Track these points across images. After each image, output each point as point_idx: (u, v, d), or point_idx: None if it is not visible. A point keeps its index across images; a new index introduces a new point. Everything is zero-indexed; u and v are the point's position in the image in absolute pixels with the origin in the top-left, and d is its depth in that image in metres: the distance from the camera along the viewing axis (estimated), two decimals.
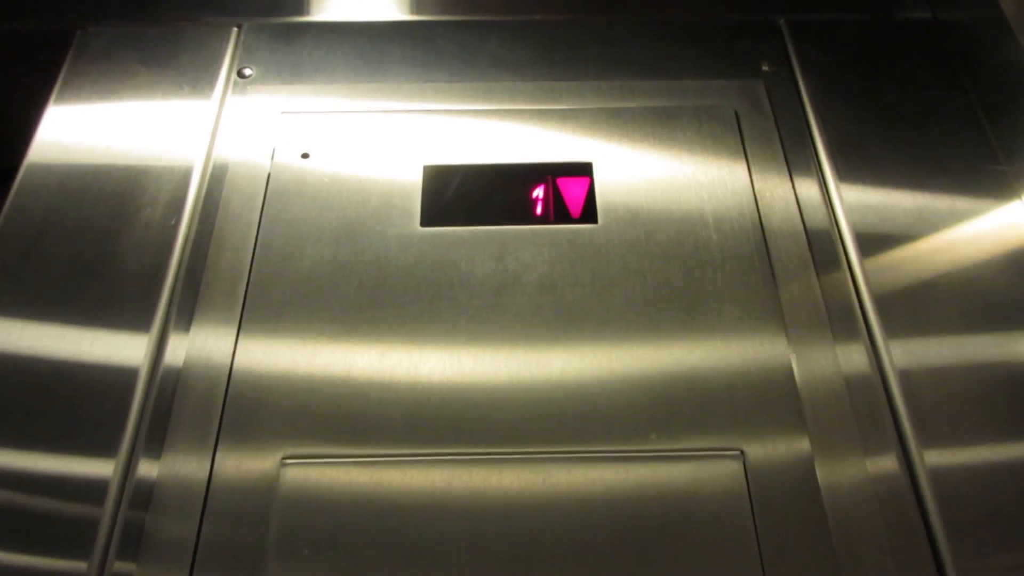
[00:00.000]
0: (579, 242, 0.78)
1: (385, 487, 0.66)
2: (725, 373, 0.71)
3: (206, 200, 0.81)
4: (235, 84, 0.90)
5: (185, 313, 0.74)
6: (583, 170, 0.83)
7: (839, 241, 0.79)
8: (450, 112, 0.88)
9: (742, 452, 0.67)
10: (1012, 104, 0.85)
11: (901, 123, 0.86)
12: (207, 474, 0.66)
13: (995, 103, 0.86)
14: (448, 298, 0.75)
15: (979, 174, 0.82)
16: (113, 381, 0.70)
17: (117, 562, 0.63)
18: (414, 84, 0.90)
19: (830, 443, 0.68)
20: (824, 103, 0.88)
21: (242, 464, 0.67)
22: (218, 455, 0.67)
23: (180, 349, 0.72)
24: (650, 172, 0.83)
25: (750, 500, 0.65)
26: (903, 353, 0.72)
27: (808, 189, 0.82)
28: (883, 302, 0.75)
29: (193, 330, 0.73)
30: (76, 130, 0.85)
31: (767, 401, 0.69)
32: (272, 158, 0.84)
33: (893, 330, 0.73)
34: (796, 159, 0.85)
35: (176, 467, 0.67)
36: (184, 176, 0.82)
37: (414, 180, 0.82)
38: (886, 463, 0.67)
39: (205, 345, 0.72)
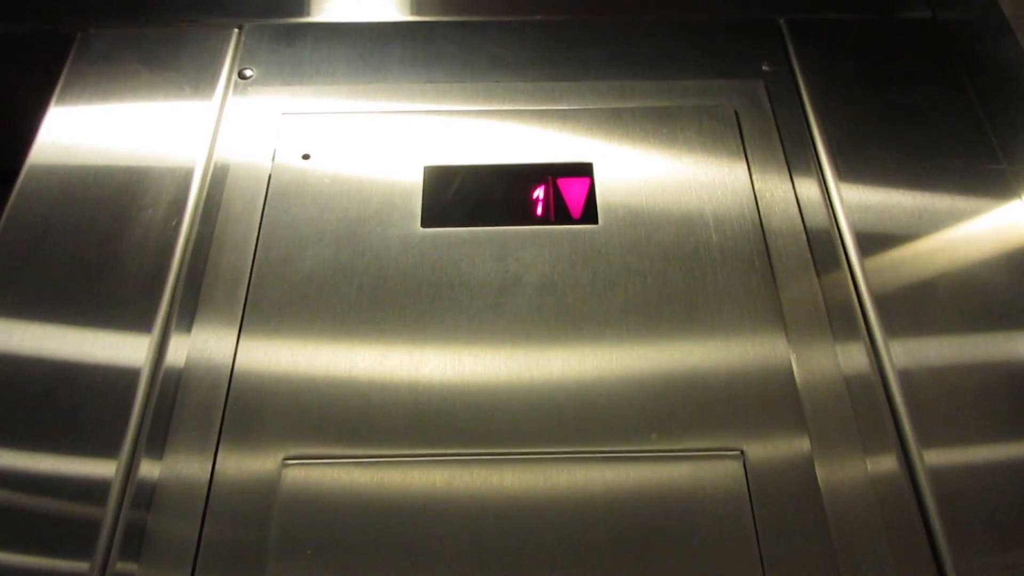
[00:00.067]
0: (579, 242, 0.78)
1: (386, 487, 0.66)
2: (725, 373, 0.71)
3: (207, 201, 0.81)
4: (236, 85, 0.90)
5: (186, 314, 0.74)
6: (583, 170, 0.83)
7: (839, 241, 0.79)
8: (451, 113, 0.88)
9: (742, 452, 0.67)
10: (1012, 104, 0.85)
11: (901, 123, 0.87)
12: (208, 475, 0.67)
13: (995, 103, 0.86)
14: (449, 299, 0.75)
15: (979, 174, 0.82)
16: (115, 382, 0.70)
17: (119, 562, 0.63)
18: (415, 85, 0.90)
19: (830, 443, 0.68)
20: (824, 103, 0.88)
21: (243, 465, 0.67)
22: (219, 456, 0.67)
23: (181, 350, 0.72)
24: (650, 172, 0.83)
25: (750, 500, 0.65)
26: (903, 353, 0.72)
27: (808, 189, 0.82)
28: (883, 302, 0.75)
29: (194, 331, 0.73)
30: (77, 131, 0.86)
31: (767, 401, 0.70)
32: (273, 159, 0.84)
33: (893, 330, 0.73)
34: (796, 159, 0.85)
35: (178, 468, 0.67)
36: (185, 177, 0.82)
37: (415, 181, 0.83)
38: (886, 463, 0.67)
39: (206, 346, 0.73)
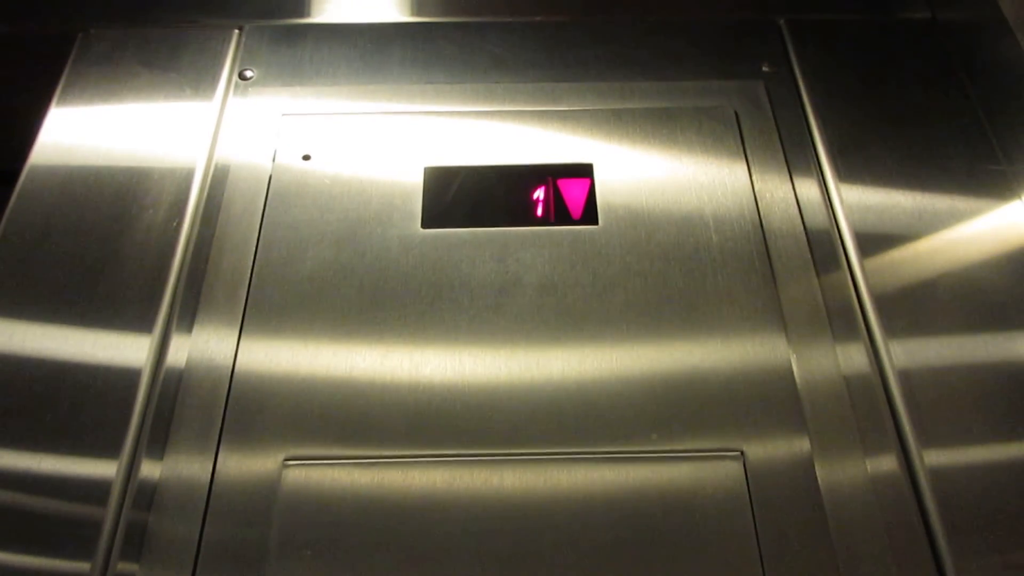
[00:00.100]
0: (580, 243, 0.78)
1: (386, 488, 0.66)
2: (725, 373, 0.71)
3: (208, 202, 0.81)
4: (236, 86, 0.91)
5: (187, 315, 0.74)
6: (584, 171, 0.83)
7: (839, 241, 0.79)
8: (451, 113, 0.88)
9: (742, 452, 0.67)
10: (1012, 104, 0.85)
11: (901, 123, 0.87)
12: (209, 475, 0.67)
13: (995, 103, 0.86)
14: (449, 299, 0.75)
15: (979, 174, 0.82)
16: (116, 382, 0.70)
17: (120, 563, 0.63)
18: (415, 85, 0.90)
19: (830, 443, 0.68)
20: (824, 103, 0.88)
21: (244, 465, 0.67)
22: (220, 456, 0.67)
23: (182, 350, 0.73)
24: (650, 173, 0.83)
25: (750, 500, 0.65)
26: (903, 353, 0.72)
27: (808, 189, 0.83)
28: (883, 302, 0.75)
29: (195, 331, 0.73)
30: (78, 132, 0.86)
31: (767, 401, 0.70)
32: (273, 160, 0.84)
33: (893, 330, 0.73)
34: (796, 159, 0.85)
35: (178, 468, 0.67)
36: (186, 178, 0.82)
37: (415, 182, 0.83)
38: (886, 463, 0.67)
39: (207, 346, 0.73)
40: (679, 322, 0.74)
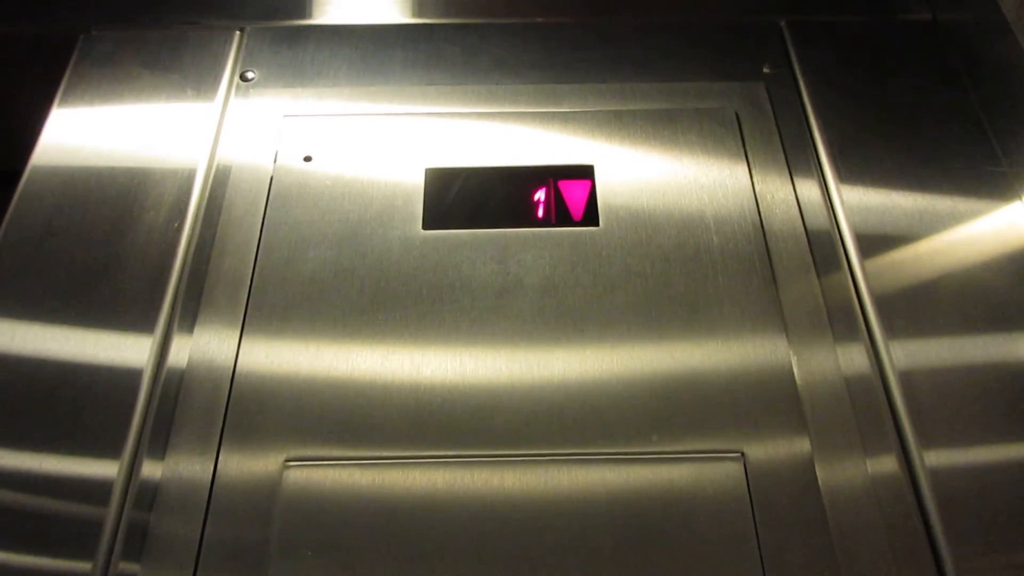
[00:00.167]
0: (580, 245, 0.79)
1: (387, 489, 0.66)
2: (726, 375, 0.71)
3: (209, 203, 0.82)
4: (238, 87, 0.91)
5: (188, 315, 0.75)
6: (584, 173, 0.83)
7: (840, 242, 0.79)
8: (452, 115, 0.88)
9: (743, 453, 0.67)
10: (1012, 105, 0.85)
11: (902, 124, 0.87)
12: (210, 475, 0.67)
13: (995, 104, 0.86)
14: (450, 301, 0.75)
15: (980, 175, 0.83)
16: (117, 383, 0.70)
17: (121, 562, 0.63)
18: (416, 87, 0.91)
19: (830, 444, 0.68)
20: (825, 105, 0.88)
21: (245, 466, 0.67)
22: (221, 457, 0.68)
23: (183, 351, 0.73)
24: (651, 174, 0.83)
25: (751, 501, 0.65)
26: (903, 354, 0.72)
27: (809, 190, 0.83)
28: (883, 303, 0.75)
29: (196, 332, 0.74)
30: (80, 133, 0.86)
31: (768, 402, 0.70)
32: (275, 161, 0.84)
33: (893, 331, 0.73)
34: (797, 161, 0.85)
35: (180, 468, 0.67)
36: (187, 179, 0.82)
37: (416, 183, 0.83)
38: (886, 464, 0.67)
39: (208, 347, 0.73)
40: (680, 323, 0.74)
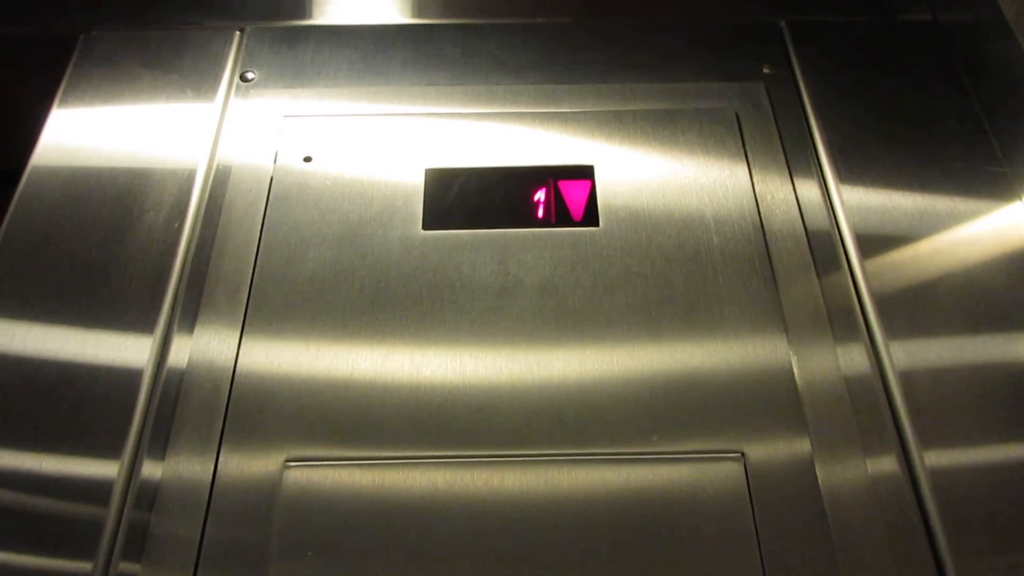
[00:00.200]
0: (580, 245, 0.79)
1: (387, 489, 0.66)
2: (726, 375, 0.71)
3: (209, 203, 0.82)
4: (238, 88, 0.91)
5: (188, 316, 0.75)
6: (584, 173, 0.83)
7: (840, 242, 0.79)
8: (452, 115, 0.88)
9: (743, 454, 0.67)
10: (1012, 106, 0.85)
11: (902, 125, 0.87)
12: (211, 476, 0.67)
13: (995, 105, 0.86)
14: (450, 301, 0.75)
15: (980, 175, 0.83)
16: (117, 383, 0.70)
17: (121, 563, 0.63)
18: (416, 87, 0.91)
19: (830, 444, 0.68)
20: (825, 105, 0.88)
21: (245, 466, 0.67)
22: (221, 457, 0.68)
23: (184, 351, 0.73)
24: (651, 174, 0.83)
25: (751, 501, 0.65)
26: (903, 354, 0.72)
27: (809, 191, 0.83)
28: (883, 303, 0.75)
29: (196, 332, 0.74)
30: (80, 133, 0.86)
31: (768, 403, 0.70)
32: (275, 161, 0.84)
33: (893, 331, 0.73)
34: (797, 161, 0.85)
35: (180, 469, 0.67)
36: (187, 179, 0.82)
37: (416, 183, 0.83)
38: (886, 464, 0.67)
39: (208, 347, 0.73)
40: (680, 323, 0.74)
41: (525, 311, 0.75)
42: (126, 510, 0.65)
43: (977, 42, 0.91)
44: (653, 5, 1.01)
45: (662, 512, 0.65)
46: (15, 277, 0.76)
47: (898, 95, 0.89)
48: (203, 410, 0.70)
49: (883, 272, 0.77)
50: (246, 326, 0.74)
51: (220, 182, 0.83)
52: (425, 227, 0.80)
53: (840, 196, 0.81)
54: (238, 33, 0.95)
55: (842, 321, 0.74)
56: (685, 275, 0.76)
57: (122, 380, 0.71)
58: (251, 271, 0.77)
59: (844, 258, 0.78)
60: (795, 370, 0.71)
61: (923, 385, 0.70)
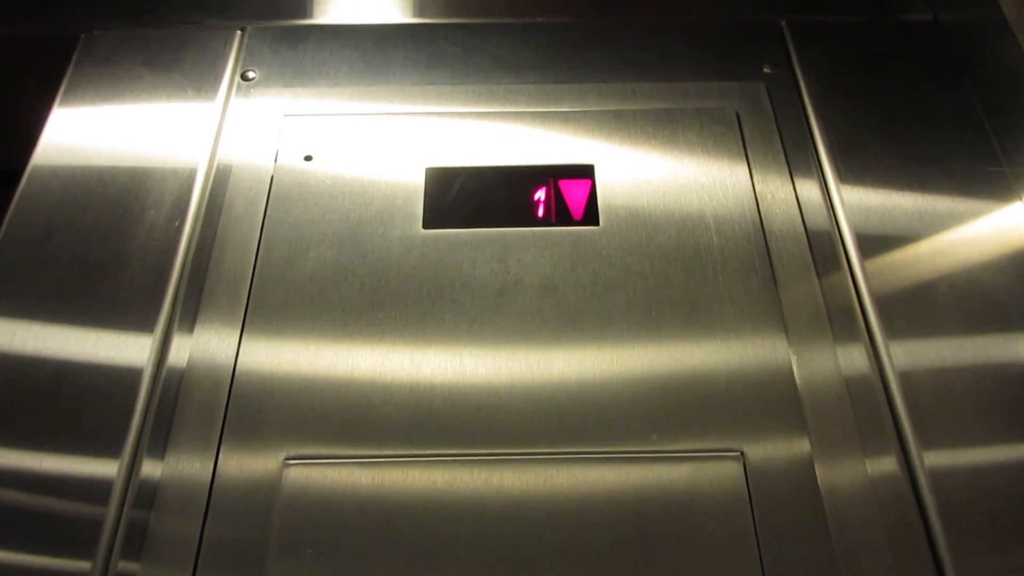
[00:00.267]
0: (580, 244, 0.79)
1: (387, 488, 0.66)
2: (726, 374, 0.71)
3: (210, 202, 0.82)
4: (238, 87, 0.91)
5: (189, 314, 0.75)
6: (585, 172, 0.83)
7: (840, 242, 0.79)
8: (452, 114, 0.88)
9: (742, 453, 0.67)
10: (1013, 105, 0.85)
11: (902, 125, 0.87)
12: (210, 474, 0.67)
13: (996, 104, 0.86)
14: (450, 300, 0.75)
15: (980, 175, 0.83)
16: (117, 382, 0.71)
17: (121, 562, 0.63)
18: (416, 87, 0.91)
19: (830, 444, 0.68)
20: (825, 105, 0.88)
21: (245, 464, 0.67)
22: (221, 455, 0.68)
23: (184, 350, 0.73)
24: (652, 174, 0.83)
25: (750, 501, 0.65)
26: (903, 354, 0.72)
27: (809, 190, 0.83)
28: (883, 303, 0.75)
29: (197, 331, 0.74)
30: (81, 133, 0.86)
31: (767, 402, 0.70)
32: (275, 161, 0.84)
33: (893, 331, 0.73)
34: (797, 161, 0.85)
35: (179, 467, 0.67)
36: (188, 178, 0.83)
37: (416, 182, 0.83)
38: (886, 464, 0.67)
39: (208, 346, 0.73)
40: (680, 323, 0.74)
41: (525, 310, 0.75)
42: (125, 509, 0.65)
43: (977, 42, 0.91)
44: (653, 5, 1.02)
45: (661, 511, 0.65)
46: (15, 276, 0.76)
47: (899, 95, 0.89)
48: (203, 409, 0.70)
49: (883, 272, 0.77)
50: (246, 325, 0.74)
51: (221, 181, 0.83)
52: (425, 226, 0.80)
53: (840, 196, 0.81)
54: (239, 32, 0.95)
55: (842, 321, 0.74)
56: (685, 274, 0.76)
57: (122, 379, 0.71)
58: (251, 270, 0.77)
59: (844, 258, 0.78)
60: (795, 370, 0.71)
61: (923, 385, 0.70)
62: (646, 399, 0.70)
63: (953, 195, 0.81)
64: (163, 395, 0.70)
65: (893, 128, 0.86)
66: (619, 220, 0.80)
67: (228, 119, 0.88)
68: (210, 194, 0.82)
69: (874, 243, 0.78)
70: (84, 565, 0.62)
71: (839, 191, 0.82)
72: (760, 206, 0.81)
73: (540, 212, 0.81)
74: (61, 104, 0.88)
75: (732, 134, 0.86)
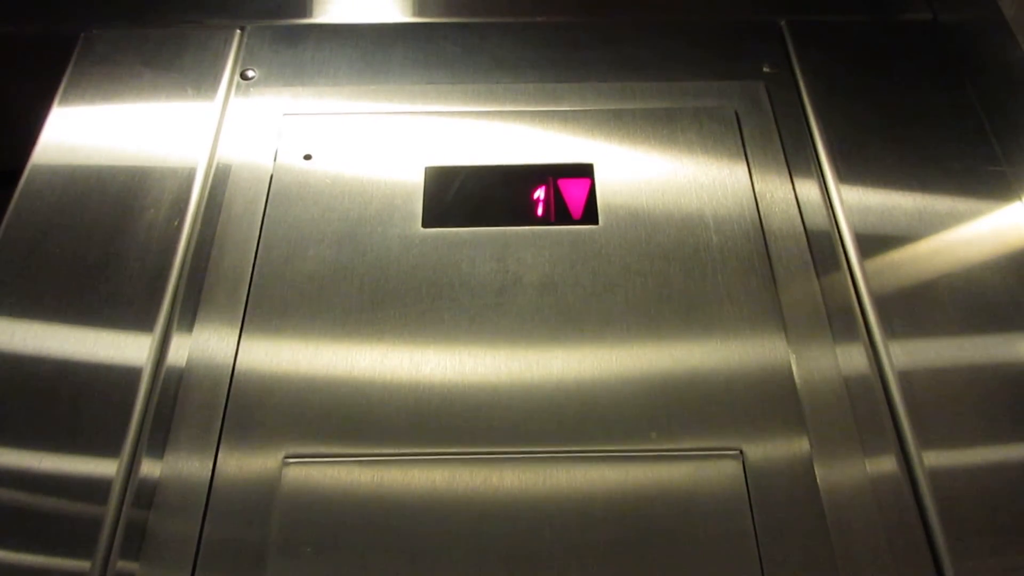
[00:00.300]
0: (580, 243, 0.79)
1: (387, 486, 0.66)
2: (725, 373, 0.71)
3: (209, 201, 0.82)
4: (238, 86, 0.91)
5: (188, 313, 0.75)
6: (584, 171, 0.83)
7: (839, 242, 0.79)
8: (452, 113, 0.88)
9: (741, 452, 0.67)
10: (1012, 105, 0.85)
11: (901, 124, 0.87)
12: (209, 473, 0.67)
13: (995, 104, 0.86)
14: (449, 299, 0.75)
15: (979, 175, 0.83)
16: (117, 381, 0.71)
17: (120, 561, 0.63)
18: (416, 86, 0.91)
19: (829, 443, 0.68)
20: (825, 104, 0.88)
21: (244, 463, 0.67)
22: (220, 454, 0.68)
23: (183, 349, 0.73)
24: (651, 173, 0.83)
25: (749, 500, 0.65)
26: (903, 354, 0.72)
27: (808, 190, 0.83)
28: (883, 303, 0.75)
29: (196, 330, 0.74)
30: (80, 132, 0.86)
31: (767, 401, 0.70)
32: (275, 160, 0.84)
33: (893, 331, 0.73)
34: (796, 160, 0.85)
35: (179, 466, 0.67)
36: (187, 178, 0.83)
37: (416, 181, 0.83)
38: (885, 464, 0.67)
39: (208, 345, 0.73)
40: (679, 322, 0.74)
41: (524, 309, 0.75)
42: (125, 508, 0.65)
43: (977, 42, 0.91)
44: (653, 4, 1.02)
45: (661, 510, 0.65)
46: (15, 275, 0.76)
47: (898, 94, 0.89)
48: (202, 408, 0.70)
49: (883, 272, 0.77)
50: (245, 324, 0.74)
51: (220, 180, 0.83)
52: (425, 225, 0.80)
53: (840, 196, 0.81)
54: (238, 31, 0.95)
55: (841, 321, 0.74)
56: (684, 274, 0.76)
57: (121, 378, 0.71)
58: (251, 269, 0.77)
59: (844, 258, 0.78)
60: (794, 369, 0.71)
61: (922, 385, 0.70)
62: (645, 398, 0.70)
63: (953, 195, 0.81)
64: (162, 394, 0.70)
65: (893, 128, 0.86)
66: (618, 219, 0.80)
67: (227, 118, 0.88)
68: (209, 193, 0.82)
69: (873, 243, 0.78)
70: (83, 564, 0.62)
71: (838, 191, 0.82)
72: (759, 206, 0.81)
73: (539, 211, 0.81)
74: (60, 103, 0.88)
75: (731, 134, 0.86)
